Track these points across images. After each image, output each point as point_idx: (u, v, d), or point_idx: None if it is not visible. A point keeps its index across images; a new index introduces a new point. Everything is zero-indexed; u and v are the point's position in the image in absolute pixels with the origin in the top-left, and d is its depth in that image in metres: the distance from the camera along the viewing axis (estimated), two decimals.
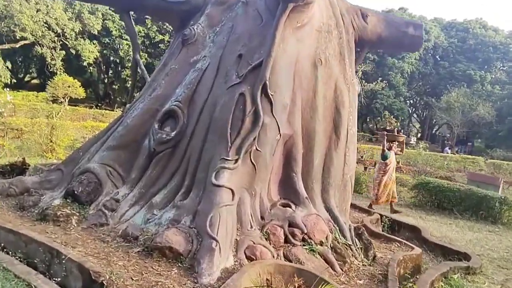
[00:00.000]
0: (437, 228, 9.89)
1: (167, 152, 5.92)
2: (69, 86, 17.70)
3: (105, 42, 37.21)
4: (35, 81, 45.73)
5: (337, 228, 6.11)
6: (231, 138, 5.53)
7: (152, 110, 6.22)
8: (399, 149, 11.23)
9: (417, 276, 6.26)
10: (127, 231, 5.16)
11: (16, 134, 12.26)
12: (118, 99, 43.66)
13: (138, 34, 38.27)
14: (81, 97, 18.92)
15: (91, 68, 38.68)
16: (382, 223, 9.05)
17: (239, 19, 6.40)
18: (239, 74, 5.88)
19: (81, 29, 32.85)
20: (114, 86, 43.20)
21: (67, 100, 18.26)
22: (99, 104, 37.68)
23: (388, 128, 11.73)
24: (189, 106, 6.07)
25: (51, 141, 12.15)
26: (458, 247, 7.89)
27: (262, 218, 5.60)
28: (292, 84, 6.12)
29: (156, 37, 37.78)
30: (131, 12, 7.54)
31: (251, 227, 5.33)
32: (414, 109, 57.33)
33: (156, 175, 5.88)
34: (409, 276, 6.09)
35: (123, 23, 36.64)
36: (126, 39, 36.90)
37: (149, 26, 37.55)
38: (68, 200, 5.73)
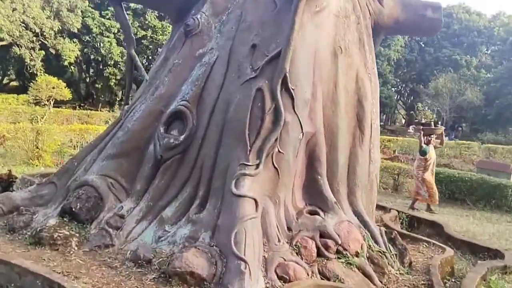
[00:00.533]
0: (454, 221, 9.37)
1: (175, 159, 5.21)
2: (53, 88, 16.58)
3: (86, 40, 35.95)
4: (14, 83, 44.06)
5: (369, 234, 5.50)
6: (250, 140, 4.86)
7: (156, 111, 5.48)
8: (438, 141, 10.60)
9: (453, 280, 5.75)
10: (137, 253, 4.45)
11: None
12: (101, 98, 42.42)
13: (119, 31, 37.16)
14: (67, 99, 17.81)
15: (72, 67, 37.38)
16: (400, 220, 8.50)
17: (249, 5, 5.68)
18: (254, 67, 5.19)
19: (60, 27, 31.58)
20: (96, 85, 41.94)
21: (52, 103, 17.15)
22: (82, 104, 36.44)
23: (423, 121, 11.10)
24: (198, 105, 5.35)
25: (37, 147, 11.27)
26: (487, 243, 7.38)
27: (289, 229, 4.95)
28: (312, 76, 5.46)
29: (138, 33, 36.59)
30: (132, 5, 6.75)
31: (279, 241, 4.67)
32: (399, 96, 57.20)
33: (165, 185, 5.17)
34: (446, 281, 5.57)
35: (103, 19, 35.55)
36: (107, 37, 35.81)
37: (130, 22, 36.38)
38: (65, 219, 4.98)
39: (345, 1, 6.07)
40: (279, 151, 4.94)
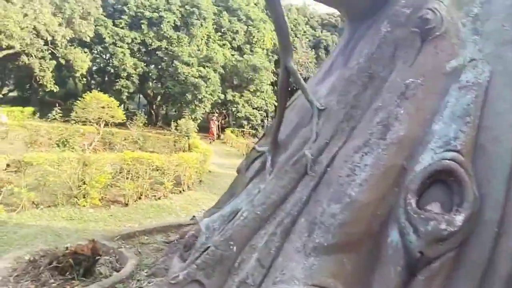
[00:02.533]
0: None
1: (447, 259, 2.89)
2: (103, 107, 13.82)
3: (98, 50, 33.60)
4: (12, 94, 40.83)
5: None
6: None
7: (395, 168, 3.15)
8: None
9: None
10: None
11: (35, 173, 8.85)
12: None
13: (133, 41, 34.72)
14: (119, 121, 14.97)
15: (84, 79, 34.92)
16: None
17: None
18: None
19: (72, 35, 29.24)
20: None
21: (102, 125, 14.44)
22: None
23: None
24: (474, 159, 3.06)
25: (84, 183, 8.86)
26: None
27: None
28: None
29: (153, 44, 34.32)
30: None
31: None
32: None
33: None
34: None
35: (116, 29, 33.19)
36: (121, 47, 33.39)
37: (145, 32, 34.14)
38: None
39: None
40: None
